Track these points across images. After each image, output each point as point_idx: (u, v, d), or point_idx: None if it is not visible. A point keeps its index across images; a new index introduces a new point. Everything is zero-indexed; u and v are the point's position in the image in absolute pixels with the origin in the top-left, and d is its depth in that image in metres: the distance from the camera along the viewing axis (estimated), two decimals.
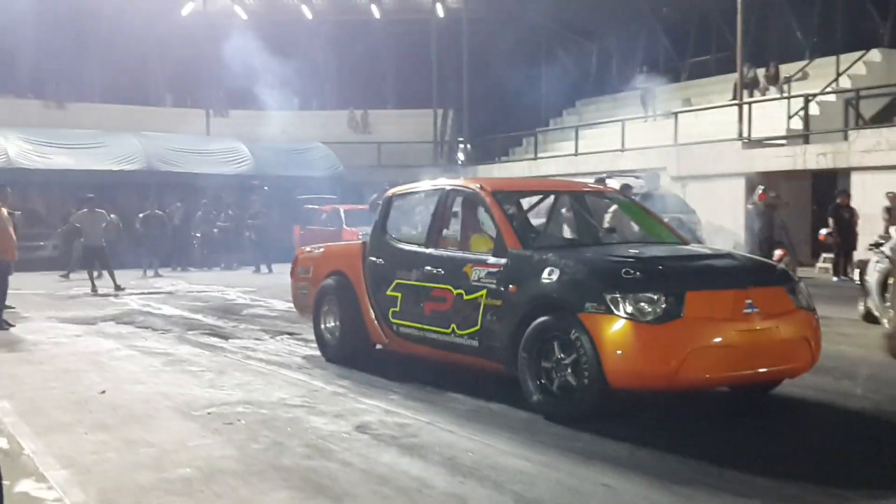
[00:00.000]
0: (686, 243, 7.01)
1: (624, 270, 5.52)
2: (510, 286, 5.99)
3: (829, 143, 20.07)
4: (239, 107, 32.83)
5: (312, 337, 8.36)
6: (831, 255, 19.06)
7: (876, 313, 9.75)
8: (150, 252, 20.38)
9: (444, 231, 7.05)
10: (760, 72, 25.56)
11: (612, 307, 5.30)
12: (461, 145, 35.67)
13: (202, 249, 22.36)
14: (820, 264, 19.27)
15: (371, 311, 7.31)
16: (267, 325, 10.62)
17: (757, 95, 24.19)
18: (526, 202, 7.45)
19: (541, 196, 7.85)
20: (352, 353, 7.60)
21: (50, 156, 23.88)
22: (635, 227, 7.77)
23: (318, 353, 8.19)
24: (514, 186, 8.00)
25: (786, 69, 25.22)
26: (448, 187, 7.21)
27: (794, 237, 19.21)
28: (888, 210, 16.34)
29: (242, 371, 7.58)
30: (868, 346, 8.49)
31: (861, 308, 10.64)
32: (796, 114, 21.83)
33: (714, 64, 30.58)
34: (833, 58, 24.53)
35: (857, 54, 23.94)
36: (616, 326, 5.27)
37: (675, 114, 23.91)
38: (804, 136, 20.80)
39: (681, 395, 5.94)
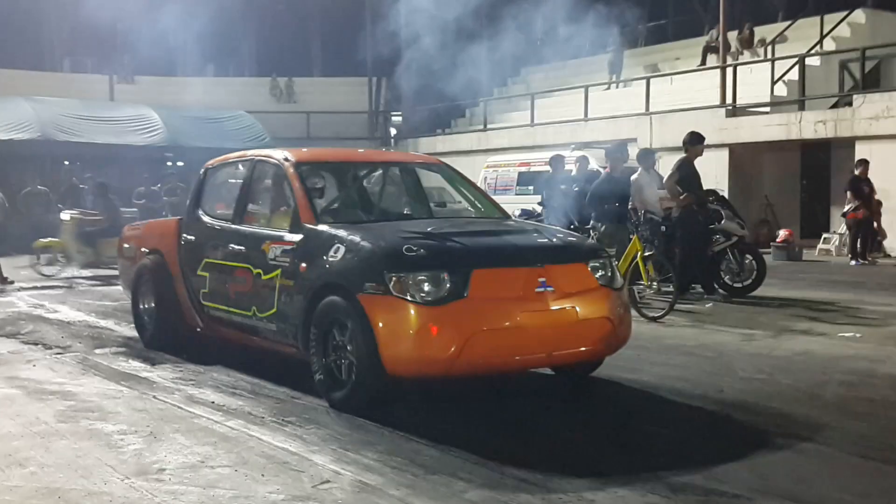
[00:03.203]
0: (507, 217, 6.74)
1: (406, 248, 5.18)
2: (301, 264, 5.65)
3: (828, 109, 18.07)
4: (146, 73, 29.40)
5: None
6: (836, 234, 17.04)
7: None
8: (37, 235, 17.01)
9: (251, 206, 6.70)
10: (731, 35, 23.40)
11: (391, 288, 4.99)
12: (396, 118, 32.83)
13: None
14: (822, 245, 17.21)
15: (186, 292, 6.95)
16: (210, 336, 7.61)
17: (730, 60, 22.04)
18: (351, 176, 7.01)
19: (357, 168, 7.20)
20: (170, 338, 7.16)
21: None
22: (458, 200, 7.36)
23: (319, 404, 5.44)
24: (324, 157, 7.24)
25: (759, 32, 23.23)
26: (257, 158, 6.83)
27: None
28: None
29: (188, 431, 4.73)
30: None
31: None
32: (780, 78, 19.78)
33: (672, 28, 28.54)
34: (810, 19, 22.81)
35: (840, 15, 22.04)
36: (393, 308, 4.98)
37: (648, 79, 21.63)
38: (799, 102, 18.73)
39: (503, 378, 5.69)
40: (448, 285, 4.97)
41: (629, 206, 9.68)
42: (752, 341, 7.49)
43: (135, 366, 6.54)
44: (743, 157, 19.47)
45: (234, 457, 4.25)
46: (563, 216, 10.77)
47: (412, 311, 4.91)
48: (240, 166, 7.08)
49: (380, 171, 7.20)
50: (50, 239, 14.19)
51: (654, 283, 8.73)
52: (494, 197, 21.87)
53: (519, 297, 5.09)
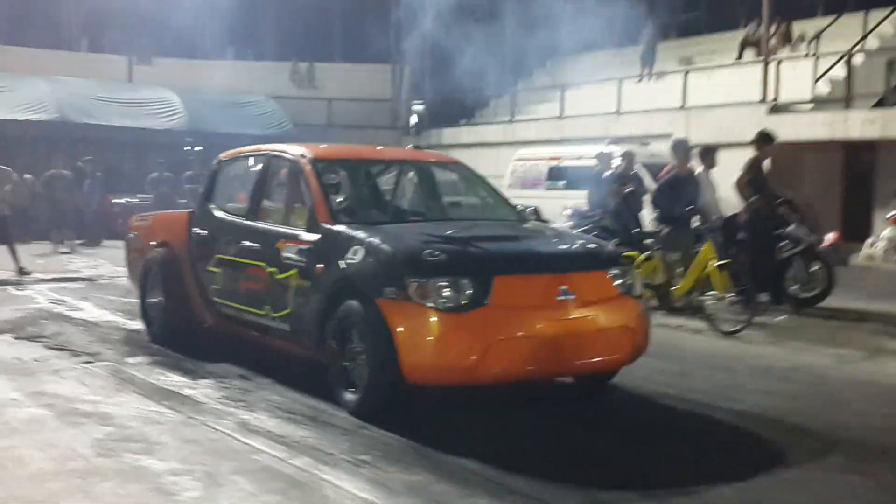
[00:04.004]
0: (525, 220, 6.55)
1: (427, 252, 5.07)
2: (318, 265, 5.52)
3: (872, 109, 17.30)
4: (165, 54, 28.76)
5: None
6: (886, 239, 16.32)
7: None
8: (59, 222, 16.44)
9: (266, 202, 6.54)
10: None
11: (411, 293, 4.89)
12: (417, 106, 32.10)
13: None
14: (866, 250, 16.46)
15: (195, 287, 6.82)
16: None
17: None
18: (367, 174, 6.84)
19: (376, 166, 7.04)
20: (177, 333, 7.02)
21: None
22: (475, 201, 7.22)
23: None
24: (341, 154, 6.98)
25: (798, 27, 22.43)
26: (272, 153, 6.64)
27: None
28: None
29: (250, 472, 4.08)
30: None
31: None
32: (823, 75, 19.02)
33: (706, 21, 27.72)
34: (853, 15, 21.94)
35: (885, 11, 21.22)
36: (413, 315, 4.88)
37: (685, 72, 20.90)
38: (845, 101, 17.96)
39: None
40: (469, 292, 4.86)
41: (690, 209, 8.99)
42: (847, 364, 6.85)
43: (175, 380, 5.91)
44: (783, 156, 18.70)
45: None
46: (617, 218, 10.10)
47: (433, 318, 4.80)
48: (254, 160, 6.90)
49: (396, 170, 7.02)
50: None
51: (729, 295, 8.05)
52: (523, 192, 21.47)
53: (540, 304, 5.01)
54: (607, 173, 11.30)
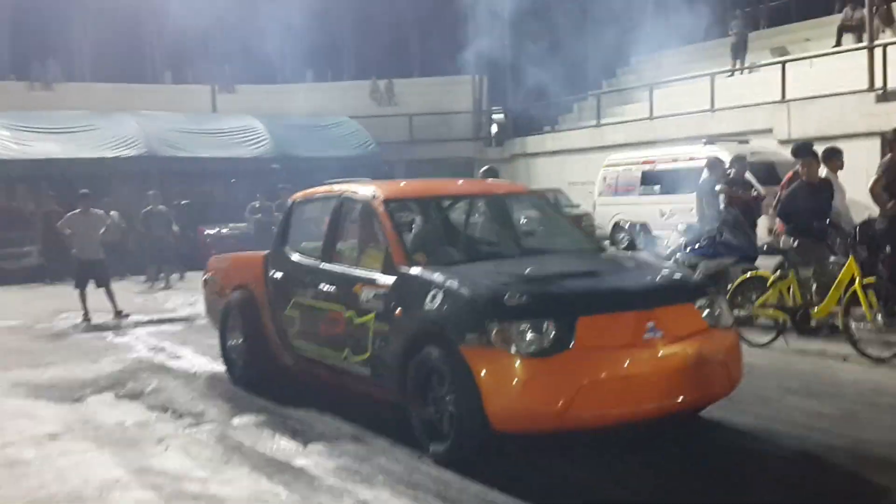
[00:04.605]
0: (602, 250, 6.53)
1: (507, 295, 4.89)
2: (397, 310, 5.41)
3: None
4: (246, 81, 29.01)
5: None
6: None
7: None
8: (156, 258, 16.46)
9: (340, 244, 6.53)
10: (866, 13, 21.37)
11: (493, 339, 4.74)
12: (497, 115, 31.58)
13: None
14: None
15: (274, 330, 6.84)
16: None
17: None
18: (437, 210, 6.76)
19: (447, 202, 6.95)
20: (260, 375, 7.04)
21: (31, 142, 19.92)
22: (551, 233, 7.09)
23: None
24: (412, 193, 6.94)
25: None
26: (344, 194, 6.66)
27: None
28: None
29: None
30: None
31: None
32: None
33: (796, 7, 26.48)
34: None
35: None
36: (497, 361, 4.73)
37: (783, 63, 19.86)
38: None
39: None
40: (553, 334, 4.71)
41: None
42: None
43: (284, 447, 5.48)
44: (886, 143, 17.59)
45: None
46: (738, 231, 9.36)
47: (517, 364, 4.68)
48: (327, 202, 6.90)
49: (469, 204, 6.92)
50: None
51: (878, 316, 7.26)
52: (616, 198, 20.62)
53: (627, 344, 4.81)
54: (718, 184, 10.47)
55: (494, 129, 31.65)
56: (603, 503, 4.46)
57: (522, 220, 7.61)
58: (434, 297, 5.12)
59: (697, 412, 5.42)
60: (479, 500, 4.44)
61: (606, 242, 19.86)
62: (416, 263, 5.57)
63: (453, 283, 5.14)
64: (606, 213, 20.53)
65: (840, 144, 15.26)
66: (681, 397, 4.89)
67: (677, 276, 5.65)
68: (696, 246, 9.55)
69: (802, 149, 8.68)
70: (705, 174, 11.13)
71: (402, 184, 7.72)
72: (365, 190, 6.39)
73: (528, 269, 5.43)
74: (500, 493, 4.47)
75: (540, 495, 4.48)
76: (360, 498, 4.52)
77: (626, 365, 4.75)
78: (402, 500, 4.47)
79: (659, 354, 4.81)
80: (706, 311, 5.21)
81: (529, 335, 4.70)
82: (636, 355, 4.78)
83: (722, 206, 9.87)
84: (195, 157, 20.82)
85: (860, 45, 19.16)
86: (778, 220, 8.61)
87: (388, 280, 5.57)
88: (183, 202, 19.15)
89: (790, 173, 9.44)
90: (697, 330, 5.08)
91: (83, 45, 29.01)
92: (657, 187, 19.34)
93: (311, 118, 24.92)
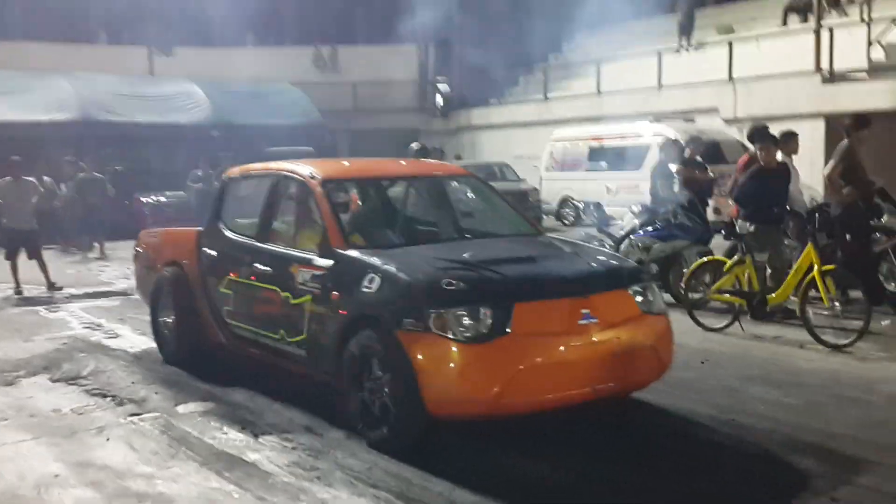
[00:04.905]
0: (540, 232, 6.48)
1: (445, 281, 4.87)
2: (333, 293, 5.38)
3: None
4: (185, 44, 28.05)
5: None
6: None
7: None
8: (90, 227, 15.85)
9: (276, 223, 6.43)
10: None
11: (431, 324, 4.71)
12: (443, 86, 31.18)
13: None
14: None
15: (208, 307, 6.72)
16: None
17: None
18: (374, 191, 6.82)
19: (385, 184, 6.91)
20: (193, 354, 6.95)
21: None
22: (490, 216, 6.93)
23: None
24: (351, 174, 6.94)
25: None
26: (281, 172, 6.51)
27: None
28: None
29: None
30: None
31: None
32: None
33: None
34: None
35: None
36: (434, 347, 4.70)
37: (730, 42, 19.92)
38: None
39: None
40: (490, 321, 4.70)
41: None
42: None
43: (234, 439, 5.19)
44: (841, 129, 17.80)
45: None
46: (693, 212, 9.29)
47: (454, 350, 4.66)
48: (263, 179, 6.74)
49: (408, 186, 6.85)
50: None
51: (836, 303, 7.22)
52: (563, 174, 20.49)
53: (562, 330, 4.85)
54: (672, 165, 10.40)
55: (440, 100, 31.28)
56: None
57: (462, 202, 7.49)
58: (371, 281, 5.10)
59: (627, 396, 5.50)
60: (444, 499, 4.23)
61: (552, 217, 19.91)
62: (354, 246, 5.53)
63: (391, 268, 5.11)
64: (553, 188, 20.44)
65: (786, 125, 15.37)
66: (612, 381, 4.96)
67: (613, 262, 5.74)
68: (651, 228, 9.47)
69: (760, 133, 8.59)
70: (659, 155, 11.06)
71: (343, 163, 7.59)
72: (303, 169, 6.27)
73: (465, 254, 5.42)
74: (466, 491, 4.26)
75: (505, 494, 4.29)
76: (319, 497, 4.27)
77: (560, 351, 4.80)
78: (361, 501, 4.23)
79: (593, 340, 4.87)
80: (639, 298, 5.29)
81: (466, 321, 4.69)
82: (571, 341, 4.83)
83: (677, 187, 9.79)
84: (132, 123, 20.12)
85: (807, 25, 19.28)
86: (733, 203, 8.54)
87: (325, 262, 5.52)
88: (117, 168, 18.49)
89: (746, 156, 9.36)
90: (631, 316, 5.16)
91: (14, 0, 27.73)
92: (604, 163, 19.29)
93: (253, 85, 24.30)
